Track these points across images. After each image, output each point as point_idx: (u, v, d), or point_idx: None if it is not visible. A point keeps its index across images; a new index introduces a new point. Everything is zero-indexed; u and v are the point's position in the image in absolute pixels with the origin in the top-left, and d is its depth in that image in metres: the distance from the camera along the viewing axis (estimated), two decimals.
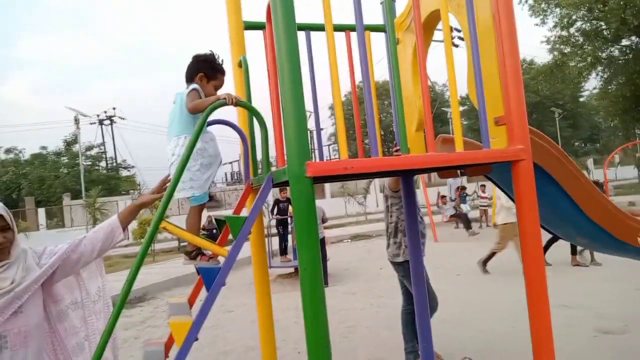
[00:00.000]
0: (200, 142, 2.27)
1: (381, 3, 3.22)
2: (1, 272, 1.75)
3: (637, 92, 23.64)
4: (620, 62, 24.29)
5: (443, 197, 15.77)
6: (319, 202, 11.79)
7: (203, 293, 2.12)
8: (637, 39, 23.15)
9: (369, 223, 19.58)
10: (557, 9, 23.65)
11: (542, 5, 23.93)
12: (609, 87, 25.82)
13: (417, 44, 2.19)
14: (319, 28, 2.83)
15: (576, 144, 50.97)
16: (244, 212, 2.51)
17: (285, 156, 1.89)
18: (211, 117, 2.30)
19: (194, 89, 2.34)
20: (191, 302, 2.26)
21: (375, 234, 15.20)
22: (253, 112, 2.33)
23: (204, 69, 2.41)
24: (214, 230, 14.12)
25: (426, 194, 14.10)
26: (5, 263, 1.77)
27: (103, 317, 2.14)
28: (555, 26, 24.30)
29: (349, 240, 15.01)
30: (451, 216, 14.87)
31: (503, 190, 3.21)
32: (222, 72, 2.50)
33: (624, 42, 23.96)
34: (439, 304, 4.07)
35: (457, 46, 20.41)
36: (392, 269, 4.23)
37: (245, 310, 6.70)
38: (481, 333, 4.82)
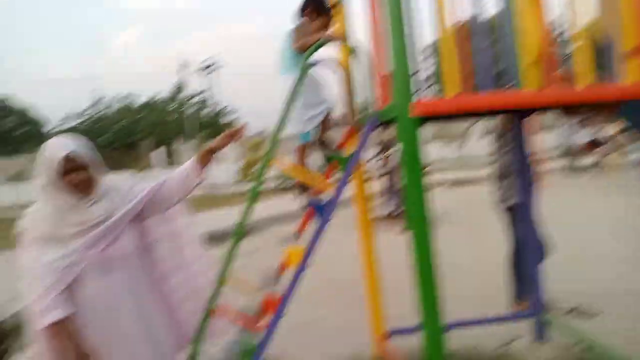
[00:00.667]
0: (304, 81, 2.31)
1: None
2: (88, 207, 1.86)
3: None
4: None
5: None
6: None
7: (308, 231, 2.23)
8: None
9: (468, 169, 18.85)
10: None
11: None
12: None
13: None
14: None
15: None
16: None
17: (391, 94, 1.88)
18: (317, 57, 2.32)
19: (297, 27, 2.36)
20: (299, 233, 2.43)
21: (476, 180, 14.64)
22: (354, 51, 2.31)
23: (313, 4, 2.41)
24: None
25: (539, 140, 13.00)
26: (91, 199, 1.87)
27: (190, 251, 2.22)
28: None
29: (447, 186, 14.66)
30: (589, 143, 12.53)
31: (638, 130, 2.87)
32: (330, 9, 2.48)
33: None
34: (550, 250, 3.90)
35: None
36: (496, 215, 4.10)
37: (347, 245, 6.87)
38: (593, 282, 4.56)
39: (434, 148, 26.42)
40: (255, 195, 2.29)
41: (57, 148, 1.82)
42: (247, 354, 2.14)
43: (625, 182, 10.62)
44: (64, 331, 1.73)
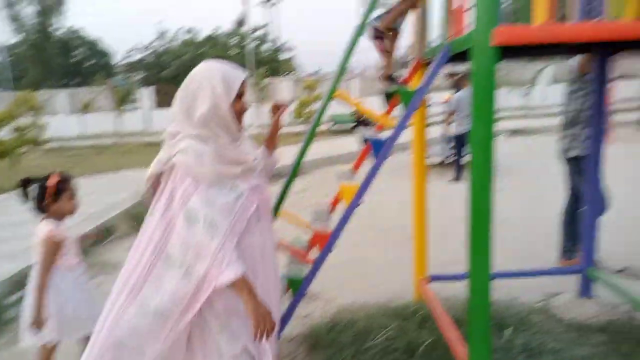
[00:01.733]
0: None
1: None
2: (239, 146, 1.71)
3: None
4: None
5: None
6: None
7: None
8: None
9: (532, 118, 17.82)
10: None
11: None
12: None
13: None
14: None
15: None
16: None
17: (466, 26, 1.71)
18: None
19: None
20: (355, 170, 2.39)
21: (538, 131, 13.87)
22: None
23: None
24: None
25: (616, 88, 12.02)
26: (239, 137, 1.73)
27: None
28: None
29: (505, 135, 13.99)
30: None
31: None
32: None
33: None
34: (609, 206, 3.66)
35: None
36: (556, 166, 3.86)
37: (397, 192, 6.86)
38: None
39: (498, 95, 25.05)
40: (312, 135, 2.25)
41: (232, 70, 1.64)
42: (295, 284, 2.20)
43: None
44: (246, 286, 1.52)
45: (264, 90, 20.80)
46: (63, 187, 2.25)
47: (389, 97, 2.30)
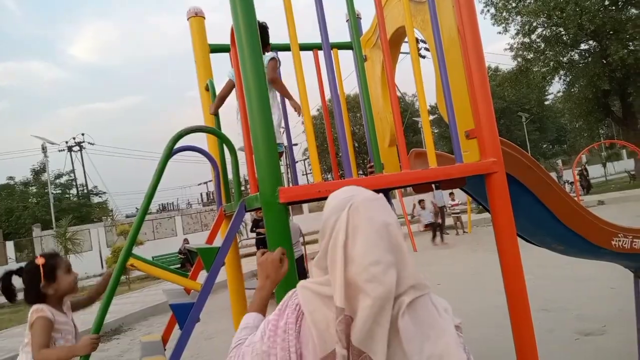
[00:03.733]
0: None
1: (347, 21, 3.23)
2: None
3: (598, 93, 24.53)
4: (581, 65, 25.17)
5: (421, 201, 15.52)
6: (297, 219, 11.64)
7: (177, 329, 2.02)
8: (595, 43, 24.07)
9: None
10: (518, 17, 24.45)
11: (504, 14, 24.70)
12: (572, 89, 26.69)
13: (385, 63, 2.18)
14: (287, 48, 2.81)
15: (544, 146, 52.37)
16: (218, 238, 2.44)
17: (260, 181, 1.84)
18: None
19: (273, 58, 2.31)
20: (165, 338, 2.16)
21: None
22: (222, 138, 2.27)
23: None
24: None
25: (402, 203, 14.19)
26: None
27: None
28: (517, 33, 25.09)
29: None
30: (425, 226, 14.81)
31: (477, 201, 3.22)
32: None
33: (583, 46, 24.88)
34: None
35: (423, 57, 20.81)
36: None
37: (227, 336, 6.50)
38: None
39: (316, 219, 27.14)
40: (113, 289, 2.00)
41: None
42: None
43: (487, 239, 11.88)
44: None
45: (71, 240, 18.66)
46: (55, 262, 2.03)
47: (194, 256, 2.25)
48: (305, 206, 31.46)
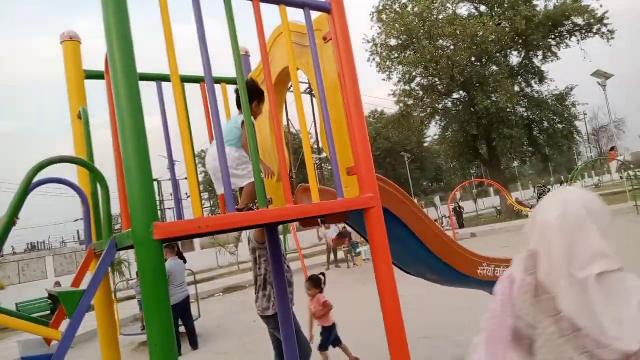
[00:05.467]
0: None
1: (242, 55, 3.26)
2: None
3: (468, 137, 27.58)
4: (453, 112, 28.22)
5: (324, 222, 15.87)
6: (188, 256, 10.98)
7: None
8: (464, 93, 27.22)
9: (243, 273, 19.08)
10: (400, 67, 26.84)
11: (387, 63, 26.95)
12: (446, 133, 29.68)
13: (270, 100, 2.23)
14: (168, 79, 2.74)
15: (424, 183, 57.13)
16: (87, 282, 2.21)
17: (133, 216, 1.72)
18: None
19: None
20: None
21: (249, 285, 14.82)
22: (92, 170, 2.10)
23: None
24: None
25: (297, 238, 14.30)
26: None
27: None
28: (399, 81, 27.46)
29: (221, 294, 14.38)
30: (338, 236, 15.09)
31: (360, 234, 3.36)
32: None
33: (455, 95, 28.00)
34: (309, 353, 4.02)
35: (313, 95, 21.74)
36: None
37: None
38: None
39: (208, 255, 26.13)
40: None
41: None
42: None
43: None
44: None
45: None
46: None
47: (56, 301, 2.00)
48: (197, 242, 30.13)
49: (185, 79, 2.84)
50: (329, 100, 2.47)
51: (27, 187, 1.79)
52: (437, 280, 3.41)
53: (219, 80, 3.11)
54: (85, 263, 2.32)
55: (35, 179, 1.92)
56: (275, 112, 2.24)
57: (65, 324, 1.94)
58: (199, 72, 2.20)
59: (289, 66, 2.96)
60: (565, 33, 26.44)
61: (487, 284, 3.47)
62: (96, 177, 2.04)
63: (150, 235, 1.61)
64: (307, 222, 3.15)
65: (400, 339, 2.25)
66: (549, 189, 14.92)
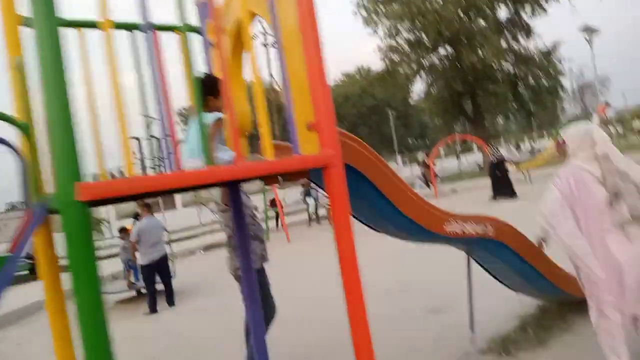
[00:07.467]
0: None
1: (196, 4, 3.01)
2: None
3: (453, 94, 27.33)
4: (439, 68, 27.79)
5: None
6: (169, 215, 10.79)
7: None
8: (451, 48, 26.71)
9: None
10: (386, 20, 26.12)
11: (373, 16, 26.19)
12: (432, 90, 29.35)
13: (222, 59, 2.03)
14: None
15: (409, 140, 57.21)
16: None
17: (55, 175, 1.56)
18: None
19: (220, 119, 2.31)
20: None
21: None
22: (15, 124, 1.92)
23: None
24: None
25: (277, 197, 14.24)
26: None
27: None
28: (385, 35, 26.80)
29: (202, 252, 14.40)
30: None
31: (324, 192, 3.26)
32: None
33: (441, 51, 27.48)
34: (274, 315, 3.97)
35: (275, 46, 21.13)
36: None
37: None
38: (325, 328, 4.91)
39: (190, 214, 26.08)
40: None
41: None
42: None
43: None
44: None
45: None
46: None
47: None
48: (178, 200, 29.97)
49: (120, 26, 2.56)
50: (289, 48, 2.28)
51: None
52: (406, 237, 3.35)
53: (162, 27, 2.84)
54: (24, 227, 2.17)
55: None
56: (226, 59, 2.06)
57: None
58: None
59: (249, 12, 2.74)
60: None
61: (456, 240, 3.42)
62: (23, 131, 1.86)
63: (73, 196, 1.46)
64: (270, 180, 3.02)
65: (357, 295, 2.15)
66: (501, 154, 15.09)
